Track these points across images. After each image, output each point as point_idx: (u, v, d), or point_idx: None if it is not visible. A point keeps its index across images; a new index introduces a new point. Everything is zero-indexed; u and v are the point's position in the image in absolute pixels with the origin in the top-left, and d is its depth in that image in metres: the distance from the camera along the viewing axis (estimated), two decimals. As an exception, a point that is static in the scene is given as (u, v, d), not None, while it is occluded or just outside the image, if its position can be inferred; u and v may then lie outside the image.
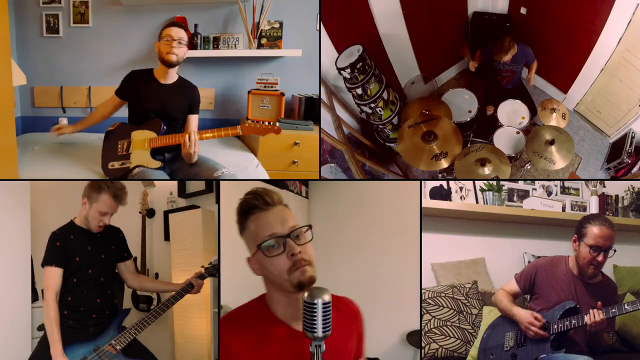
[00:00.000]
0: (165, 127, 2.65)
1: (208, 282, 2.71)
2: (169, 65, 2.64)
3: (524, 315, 2.18)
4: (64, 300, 2.14)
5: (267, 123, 2.62)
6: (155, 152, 2.63)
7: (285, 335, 1.26)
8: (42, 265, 2.17)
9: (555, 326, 2.11)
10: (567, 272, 2.26)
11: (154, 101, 2.68)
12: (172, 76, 2.72)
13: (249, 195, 1.30)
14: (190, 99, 2.77)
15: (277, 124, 2.65)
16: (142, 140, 2.62)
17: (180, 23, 2.75)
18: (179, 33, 2.62)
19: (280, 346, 1.25)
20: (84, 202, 2.21)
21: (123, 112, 2.86)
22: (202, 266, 2.39)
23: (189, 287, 2.28)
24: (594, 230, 2.16)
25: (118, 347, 2.11)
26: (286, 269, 1.21)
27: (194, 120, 2.79)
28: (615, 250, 2.15)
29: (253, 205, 1.27)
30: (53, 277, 2.12)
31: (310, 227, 1.28)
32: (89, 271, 2.19)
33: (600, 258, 2.14)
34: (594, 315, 2.02)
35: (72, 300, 2.14)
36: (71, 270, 2.17)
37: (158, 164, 2.61)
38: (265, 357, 1.24)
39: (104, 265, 2.24)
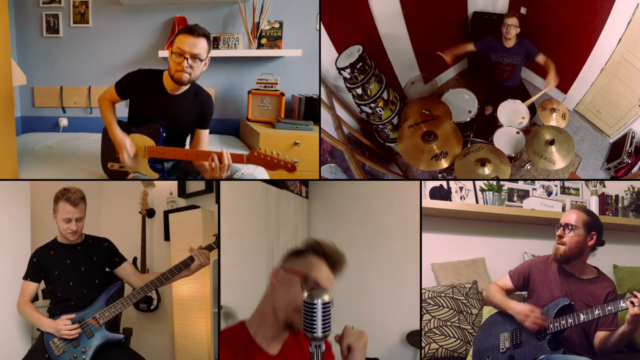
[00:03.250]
0: (164, 135, 2.39)
1: (208, 283, 2.71)
2: (179, 84, 2.25)
3: (520, 307, 2.15)
4: (53, 315, 2.17)
5: (278, 155, 2.21)
6: (155, 161, 2.45)
7: None
8: (22, 279, 2.25)
9: (551, 325, 2.08)
10: (558, 269, 2.27)
11: (158, 113, 2.38)
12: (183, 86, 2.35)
13: (337, 251, 1.41)
14: (202, 110, 2.41)
15: (294, 160, 2.18)
16: (140, 146, 2.39)
17: (201, 29, 2.20)
18: (194, 46, 2.12)
19: None
20: (53, 217, 2.25)
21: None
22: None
23: (189, 260, 2.13)
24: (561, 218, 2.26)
25: (101, 321, 2.11)
26: (295, 305, 1.28)
27: (204, 137, 2.45)
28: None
29: (324, 254, 1.38)
30: (26, 289, 2.22)
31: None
32: (70, 283, 2.20)
33: (558, 232, 2.20)
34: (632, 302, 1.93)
35: (61, 314, 2.15)
36: (51, 283, 2.22)
37: (156, 175, 2.44)
38: None
39: (84, 277, 2.23)
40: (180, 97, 2.34)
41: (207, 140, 2.46)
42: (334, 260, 1.38)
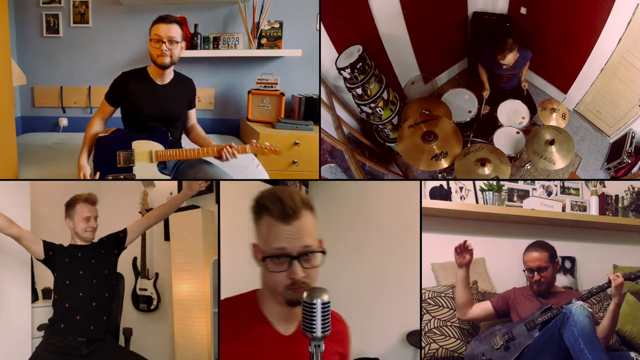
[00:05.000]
0: (170, 138, 2.48)
1: (208, 283, 2.71)
2: (163, 68, 2.41)
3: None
4: (56, 328, 2.15)
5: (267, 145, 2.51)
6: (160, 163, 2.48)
7: (266, 336, 1.24)
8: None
9: (539, 319, 2.26)
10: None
11: (152, 105, 2.47)
12: (168, 75, 2.50)
13: (269, 197, 1.18)
14: (190, 93, 2.64)
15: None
16: (147, 152, 2.40)
17: (172, 17, 2.41)
18: (169, 31, 2.32)
19: (262, 346, 1.23)
20: (67, 222, 2.29)
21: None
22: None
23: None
24: (525, 257, 2.55)
25: None
26: (283, 285, 1.17)
27: (193, 115, 2.71)
28: (560, 261, 2.58)
29: (268, 209, 1.16)
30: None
31: (324, 252, 1.19)
32: (80, 271, 2.20)
33: (535, 277, 2.47)
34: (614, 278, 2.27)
35: (65, 327, 2.14)
36: (61, 279, 2.20)
37: (167, 178, 2.50)
38: (246, 356, 1.21)
39: (96, 288, 2.23)
40: (168, 86, 2.50)
41: (195, 116, 2.73)
42: (287, 212, 1.14)
